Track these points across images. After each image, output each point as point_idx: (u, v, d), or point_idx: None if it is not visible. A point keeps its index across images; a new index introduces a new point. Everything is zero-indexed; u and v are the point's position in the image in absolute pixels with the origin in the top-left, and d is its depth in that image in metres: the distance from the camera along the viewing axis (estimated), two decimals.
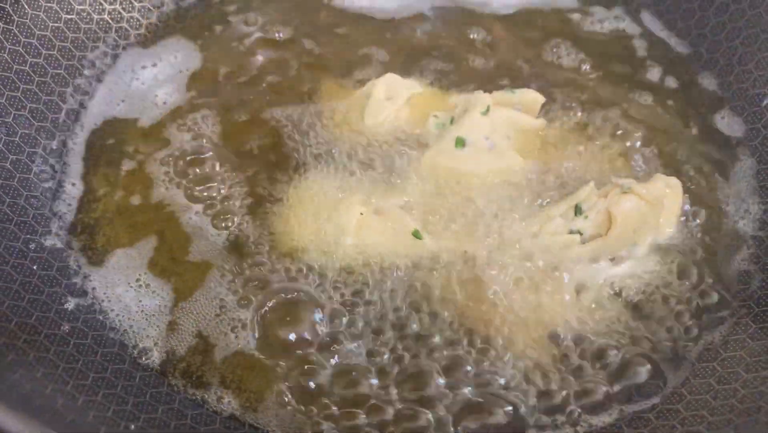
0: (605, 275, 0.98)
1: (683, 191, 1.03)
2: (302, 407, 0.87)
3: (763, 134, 1.12)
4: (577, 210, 0.99)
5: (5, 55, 1.08)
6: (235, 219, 1.02)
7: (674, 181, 1.02)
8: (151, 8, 1.30)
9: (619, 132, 1.12)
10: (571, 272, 0.97)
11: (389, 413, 0.86)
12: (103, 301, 0.95)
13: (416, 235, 0.97)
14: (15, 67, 1.09)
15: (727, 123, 1.17)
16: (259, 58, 1.24)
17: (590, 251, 0.97)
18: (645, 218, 0.98)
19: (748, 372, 0.86)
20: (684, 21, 1.28)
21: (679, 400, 0.86)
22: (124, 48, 1.25)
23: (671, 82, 1.23)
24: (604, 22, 1.33)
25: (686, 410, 0.84)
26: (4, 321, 0.84)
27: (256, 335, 0.91)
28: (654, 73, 1.25)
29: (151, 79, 1.22)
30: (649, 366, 0.91)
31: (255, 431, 0.85)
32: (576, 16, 1.33)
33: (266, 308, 0.93)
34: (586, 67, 1.24)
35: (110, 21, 1.25)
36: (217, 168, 1.07)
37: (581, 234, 0.98)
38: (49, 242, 1.01)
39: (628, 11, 1.34)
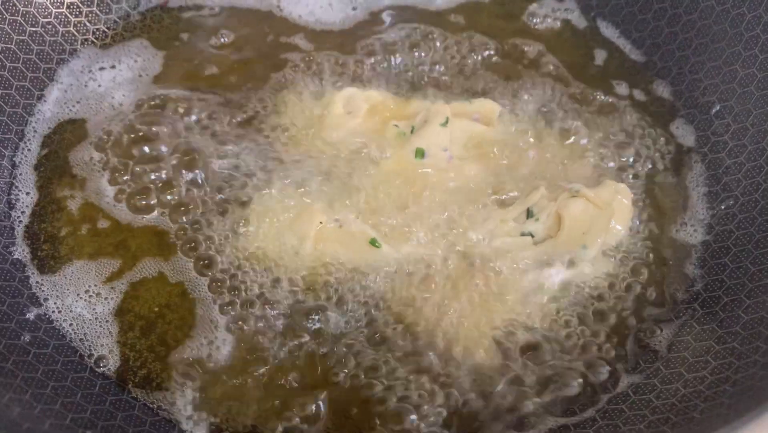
0: (558, 278, 1.00)
1: (633, 197, 1.07)
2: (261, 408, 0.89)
3: (712, 141, 1.15)
4: (529, 213, 1.03)
5: None
6: (199, 227, 1.04)
7: (623, 187, 1.05)
8: (117, 20, 1.31)
9: (572, 138, 1.15)
10: (525, 276, 1.00)
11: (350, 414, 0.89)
12: (62, 310, 0.97)
13: (374, 243, 1.00)
14: None
15: (681, 131, 1.20)
16: (217, 69, 1.25)
17: (542, 252, 1.01)
18: (594, 220, 1.01)
19: (689, 372, 0.90)
20: (638, 31, 1.32)
21: (624, 400, 0.90)
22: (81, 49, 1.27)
23: (626, 90, 1.27)
24: (555, 16, 1.36)
25: (630, 410, 0.87)
26: None
27: (216, 342, 0.94)
28: (611, 83, 1.28)
29: (109, 81, 1.23)
30: (598, 368, 0.94)
31: None
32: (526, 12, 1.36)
33: (228, 315, 0.96)
34: (542, 69, 1.27)
35: (76, 33, 1.26)
36: (177, 180, 1.09)
37: (533, 236, 1.02)
38: (11, 253, 1.02)
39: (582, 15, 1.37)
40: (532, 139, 1.15)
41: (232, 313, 0.97)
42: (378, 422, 0.88)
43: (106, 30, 1.29)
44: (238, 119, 1.16)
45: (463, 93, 1.22)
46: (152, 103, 1.17)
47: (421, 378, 0.91)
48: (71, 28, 1.26)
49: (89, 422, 0.82)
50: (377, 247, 1.00)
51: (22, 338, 0.91)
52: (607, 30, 1.36)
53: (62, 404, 0.83)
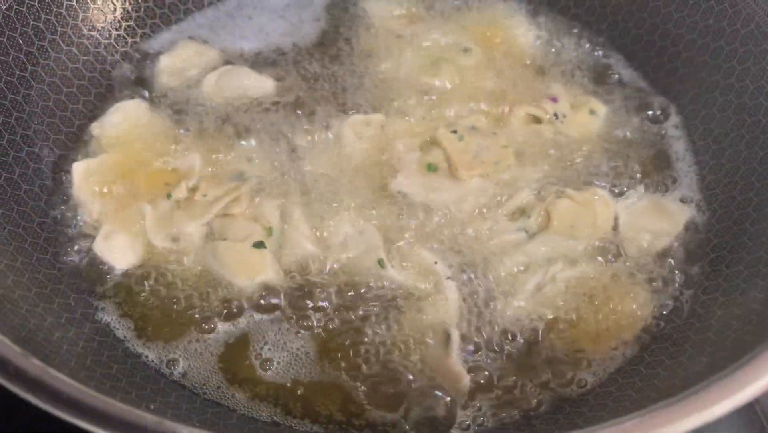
0: (560, 275, 1.12)
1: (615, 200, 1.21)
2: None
3: (713, 149, 1.27)
4: (521, 212, 1.18)
5: (32, 93, 1.24)
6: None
7: (602, 193, 1.20)
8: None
9: (556, 146, 1.29)
10: (526, 275, 1.13)
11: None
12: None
13: (380, 264, 1.11)
14: (41, 103, 1.25)
15: (672, 135, 1.33)
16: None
17: (537, 244, 1.14)
18: (579, 216, 1.16)
19: (699, 322, 1.06)
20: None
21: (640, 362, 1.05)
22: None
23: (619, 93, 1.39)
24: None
25: (618, 390, 1.01)
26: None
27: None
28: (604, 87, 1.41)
29: None
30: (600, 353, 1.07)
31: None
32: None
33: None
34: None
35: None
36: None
37: (527, 232, 1.16)
38: (71, 257, 1.15)
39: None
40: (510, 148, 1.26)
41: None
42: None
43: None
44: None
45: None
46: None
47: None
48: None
49: (149, 398, 0.95)
50: (382, 267, 1.11)
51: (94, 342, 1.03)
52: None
53: (127, 382, 0.96)
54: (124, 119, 1.30)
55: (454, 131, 1.26)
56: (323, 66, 1.42)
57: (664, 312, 1.11)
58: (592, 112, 1.34)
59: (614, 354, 1.07)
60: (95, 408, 0.68)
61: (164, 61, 1.40)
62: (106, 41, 1.41)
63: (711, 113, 1.28)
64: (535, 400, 1.02)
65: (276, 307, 1.09)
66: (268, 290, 1.10)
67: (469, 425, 0.99)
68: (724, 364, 0.83)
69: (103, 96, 1.37)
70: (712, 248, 1.17)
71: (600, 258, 1.16)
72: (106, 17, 1.41)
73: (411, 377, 1.03)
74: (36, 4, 1.25)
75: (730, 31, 1.26)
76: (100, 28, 1.40)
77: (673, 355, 1.02)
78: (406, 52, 1.43)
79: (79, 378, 0.79)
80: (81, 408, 0.68)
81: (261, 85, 1.36)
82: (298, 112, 1.33)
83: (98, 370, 0.94)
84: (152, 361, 1.04)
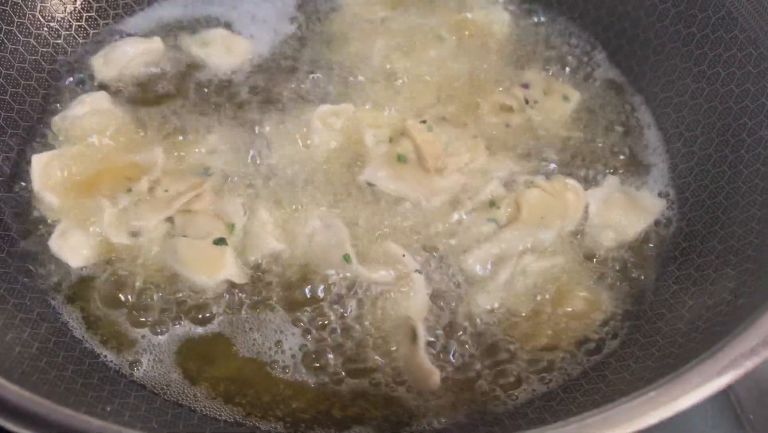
0: (533, 267, 1.10)
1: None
2: None
3: (685, 137, 1.26)
4: (491, 203, 1.15)
5: None
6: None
7: (573, 182, 1.18)
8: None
9: (527, 135, 1.27)
10: (500, 268, 1.10)
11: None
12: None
13: (346, 259, 1.08)
14: None
15: (644, 123, 1.32)
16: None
17: (508, 236, 1.12)
18: (550, 206, 1.14)
19: (670, 312, 1.05)
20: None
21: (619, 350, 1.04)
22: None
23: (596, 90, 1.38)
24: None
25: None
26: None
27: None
28: (577, 75, 1.39)
29: None
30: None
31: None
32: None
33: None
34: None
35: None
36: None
37: (497, 223, 1.14)
38: (27, 256, 1.11)
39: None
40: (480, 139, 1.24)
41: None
42: None
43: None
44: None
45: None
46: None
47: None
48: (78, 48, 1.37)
49: (107, 400, 0.92)
50: (348, 263, 1.08)
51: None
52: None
53: (83, 384, 0.93)
54: (87, 112, 1.26)
55: (424, 121, 1.24)
56: (294, 53, 1.39)
57: (636, 303, 1.10)
58: (564, 98, 1.32)
59: (585, 347, 1.06)
60: (34, 413, 0.65)
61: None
62: (67, 32, 1.37)
63: (683, 101, 1.27)
64: (504, 395, 1.00)
65: (238, 304, 1.06)
66: (230, 287, 1.07)
67: (434, 421, 0.97)
68: (695, 354, 0.82)
69: (65, 88, 1.33)
70: (683, 237, 1.15)
71: (570, 249, 1.14)
72: (65, 7, 1.37)
73: (377, 374, 1.01)
74: None
75: (701, 17, 1.24)
76: (59, 19, 1.36)
77: (645, 346, 1.01)
78: (377, 40, 1.40)
79: (31, 381, 0.77)
80: (19, 414, 0.65)
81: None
82: (265, 102, 1.30)
83: (53, 372, 0.90)
84: (111, 361, 1.01)
